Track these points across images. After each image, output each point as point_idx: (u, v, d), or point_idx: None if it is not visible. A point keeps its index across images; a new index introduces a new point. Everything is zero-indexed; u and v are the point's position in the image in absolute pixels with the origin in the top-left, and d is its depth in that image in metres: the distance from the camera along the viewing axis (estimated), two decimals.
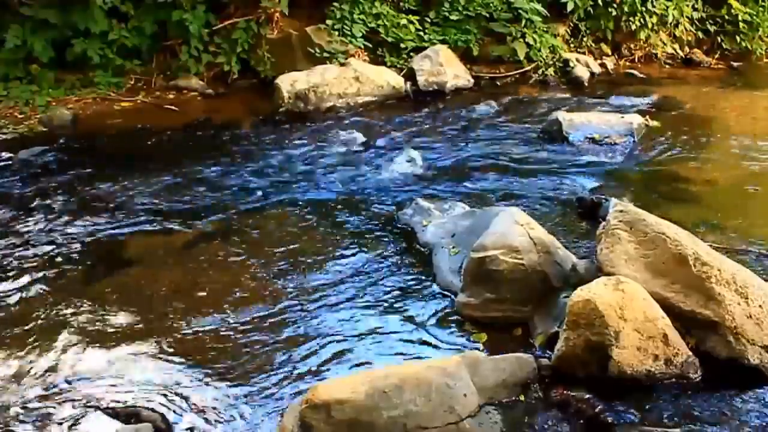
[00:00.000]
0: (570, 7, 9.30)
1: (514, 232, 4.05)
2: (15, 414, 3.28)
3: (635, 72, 9.62)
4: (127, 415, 3.26)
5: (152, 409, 3.30)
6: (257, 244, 4.85)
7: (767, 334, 3.46)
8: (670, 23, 9.96)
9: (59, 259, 4.64)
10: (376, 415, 2.96)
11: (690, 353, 3.41)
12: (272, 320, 4.00)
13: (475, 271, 3.98)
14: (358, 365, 3.60)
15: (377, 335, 3.86)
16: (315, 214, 5.28)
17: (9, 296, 4.21)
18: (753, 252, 4.53)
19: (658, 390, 3.32)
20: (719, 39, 10.46)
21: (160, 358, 3.68)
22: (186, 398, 3.38)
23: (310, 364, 3.63)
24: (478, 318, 3.93)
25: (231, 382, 3.50)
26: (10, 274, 4.44)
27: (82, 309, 4.10)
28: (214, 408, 3.33)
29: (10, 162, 6.18)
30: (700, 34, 10.43)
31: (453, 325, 3.94)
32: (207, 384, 3.49)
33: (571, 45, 9.71)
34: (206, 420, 3.26)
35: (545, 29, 9.17)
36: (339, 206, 5.40)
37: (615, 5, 9.55)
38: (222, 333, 3.89)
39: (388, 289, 4.29)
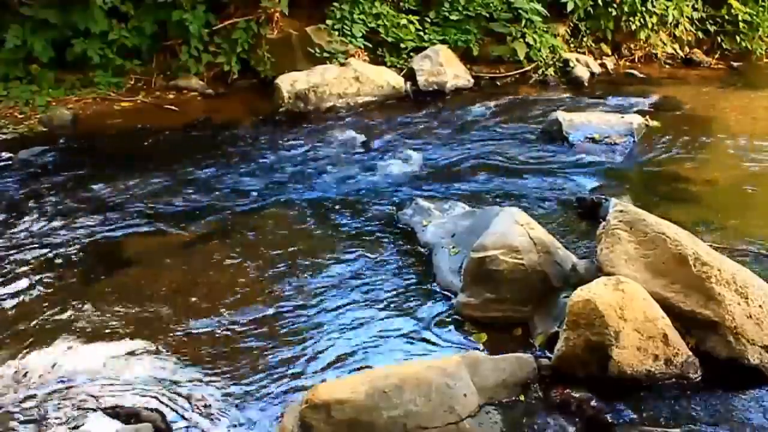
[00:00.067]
0: (570, 7, 9.30)
1: (514, 232, 4.05)
2: (15, 414, 3.28)
3: (635, 72, 9.63)
4: (127, 415, 3.26)
5: (152, 409, 3.30)
6: (257, 245, 4.85)
7: (767, 334, 3.46)
8: (670, 23, 9.97)
9: (58, 259, 4.64)
10: (376, 415, 2.96)
11: (690, 353, 3.41)
12: (272, 320, 4.00)
13: (475, 271, 3.98)
14: (358, 365, 3.60)
15: (377, 335, 3.86)
16: (315, 214, 5.28)
17: (8, 296, 4.21)
18: (753, 252, 4.53)
19: (658, 390, 3.32)
20: (719, 39, 10.46)
21: (159, 359, 3.68)
22: (186, 398, 3.38)
23: (309, 364, 3.63)
24: (478, 318, 3.93)
25: (231, 382, 3.50)
26: (10, 274, 4.44)
27: (81, 309, 4.10)
28: (214, 408, 3.33)
29: (10, 162, 6.18)
30: (700, 34, 10.43)
31: (453, 325, 3.94)
32: (207, 384, 3.49)
33: (571, 45, 9.71)
34: (206, 420, 3.26)
35: (545, 29, 9.17)
36: (339, 206, 5.40)
37: (615, 5, 9.56)
38: (222, 333, 3.89)
39: (388, 289, 4.29)
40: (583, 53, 9.65)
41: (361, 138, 6.78)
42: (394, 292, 4.25)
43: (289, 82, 7.70)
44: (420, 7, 9.21)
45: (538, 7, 9.01)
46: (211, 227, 5.10)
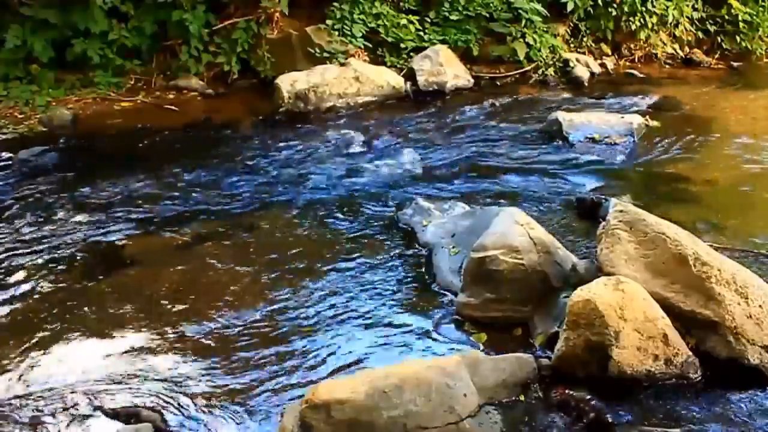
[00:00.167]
0: (570, 7, 9.30)
1: (514, 232, 4.05)
2: (15, 415, 3.28)
3: (635, 72, 9.62)
4: (127, 415, 3.26)
5: (152, 409, 3.30)
6: (257, 244, 4.85)
7: (767, 334, 3.46)
8: (670, 23, 9.96)
9: (58, 258, 4.64)
10: (376, 415, 2.96)
11: (690, 353, 3.41)
12: (271, 320, 4.00)
13: (475, 271, 3.98)
14: (358, 365, 3.60)
15: (377, 335, 3.86)
16: (315, 214, 5.28)
17: (8, 296, 4.21)
18: (753, 252, 4.53)
19: (658, 390, 3.32)
20: (719, 39, 10.45)
21: (159, 359, 3.68)
22: (185, 398, 3.38)
23: (309, 364, 3.63)
24: (478, 318, 3.93)
25: (231, 382, 3.50)
26: (10, 274, 4.44)
27: (81, 309, 4.10)
28: (214, 408, 3.33)
29: (10, 162, 6.18)
30: (700, 34, 10.42)
31: (453, 325, 3.94)
32: (207, 384, 3.49)
33: (571, 45, 9.70)
34: (206, 420, 3.26)
35: (545, 29, 9.17)
36: (339, 206, 5.40)
37: (615, 5, 9.55)
38: (222, 333, 3.89)
39: (388, 289, 4.29)
40: (583, 53, 9.64)
41: (361, 138, 6.78)
42: (394, 292, 4.25)
43: (289, 82, 7.71)
44: (420, 7, 9.21)
45: (538, 7, 9.01)
46: (211, 227, 5.11)
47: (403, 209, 5.18)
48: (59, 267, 4.54)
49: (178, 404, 3.34)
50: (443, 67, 8.36)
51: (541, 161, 6.31)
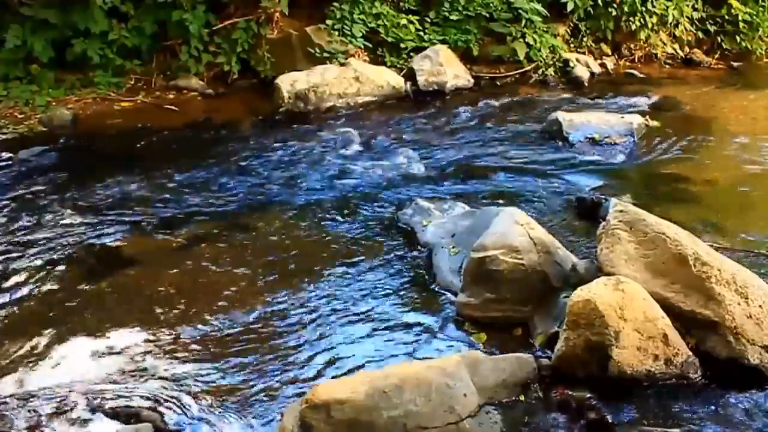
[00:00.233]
0: (570, 7, 9.30)
1: (514, 232, 4.05)
2: (15, 415, 3.27)
3: (635, 72, 9.61)
4: (127, 415, 3.26)
5: (152, 409, 3.30)
6: (256, 245, 4.85)
7: (767, 334, 3.46)
8: (670, 23, 9.95)
9: (58, 259, 4.63)
10: (376, 415, 2.96)
11: (690, 353, 3.41)
12: (271, 320, 4.00)
13: (475, 271, 3.98)
14: (357, 365, 3.60)
15: (377, 335, 3.86)
16: (315, 214, 5.28)
17: (7, 296, 4.21)
18: (753, 252, 4.53)
19: (658, 390, 3.32)
20: (719, 39, 10.44)
21: (159, 359, 3.68)
22: (185, 399, 3.38)
23: (309, 364, 3.63)
24: (478, 318, 3.93)
25: (231, 382, 3.50)
26: (9, 274, 4.44)
27: (80, 309, 4.10)
28: (214, 408, 3.33)
29: (10, 162, 6.18)
30: (700, 34, 10.41)
31: (453, 325, 3.94)
32: (206, 384, 3.49)
33: (571, 45, 9.70)
34: (206, 420, 3.26)
35: (545, 29, 9.16)
36: (339, 206, 5.40)
37: (615, 5, 9.55)
38: (221, 333, 3.89)
39: (388, 289, 4.29)
40: (583, 53, 9.63)
41: (361, 138, 6.78)
42: (394, 293, 4.25)
43: (289, 82, 7.70)
44: (420, 7, 9.20)
45: (538, 7, 9.00)
46: (211, 228, 5.10)
47: (403, 209, 5.18)
48: (58, 267, 4.54)
49: (178, 404, 3.34)
50: (443, 67, 8.35)
51: (541, 161, 6.31)
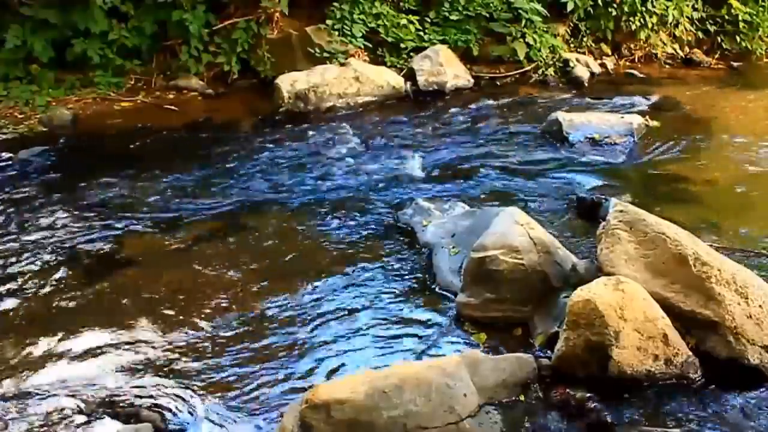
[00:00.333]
0: (570, 7, 9.29)
1: (514, 232, 4.05)
2: (15, 415, 3.27)
3: (635, 72, 9.61)
4: (127, 415, 3.26)
5: (152, 409, 3.30)
6: (256, 245, 4.85)
7: (767, 334, 3.46)
8: (670, 23, 9.95)
9: (57, 259, 4.64)
10: (376, 415, 2.96)
11: (690, 353, 3.42)
12: (271, 320, 4.00)
13: (475, 271, 3.98)
14: (357, 365, 3.60)
15: (377, 335, 3.87)
16: (315, 214, 5.28)
17: (7, 296, 4.21)
18: (753, 252, 4.53)
19: (658, 390, 3.32)
20: (719, 39, 10.43)
21: (159, 359, 3.68)
22: (185, 398, 3.38)
23: (309, 364, 3.63)
24: (478, 318, 3.93)
25: (230, 383, 3.50)
26: (9, 274, 4.44)
27: (80, 309, 4.11)
28: (214, 407, 3.33)
29: (10, 162, 6.18)
30: (700, 34, 10.41)
31: (453, 325, 3.94)
32: (206, 384, 3.49)
33: (571, 45, 9.69)
34: (206, 420, 3.26)
35: (545, 29, 9.16)
36: (339, 206, 5.40)
37: (615, 5, 9.55)
38: (222, 333, 3.89)
39: (388, 289, 4.29)
40: (583, 53, 9.63)
41: (361, 138, 6.79)
42: (394, 292, 4.25)
43: (289, 82, 7.70)
44: (420, 7, 9.20)
45: (538, 7, 9.00)
46: (211, 227, 5.11)
47: (403, 209, 5.18)
48: (57, 267, 4.54)
49: (178, 404, 3.34)
50: (443, 67, 8.35)
51: (541, 161, 6.31)
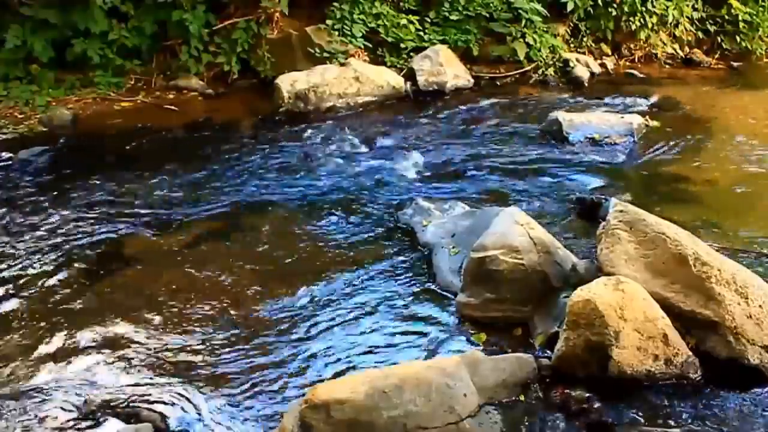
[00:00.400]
0: (570, 7, 9.29)
1: (514, 232, 4.05)
2: (14, 415, 3.28)
3: (635, 72, 9.61)
4: (127, 415, 3.26)
5: (152, 409, 3.30)
6: (256, 245, 4.85)
7: (767, 334, 3.46)
8: (670, 23, 9.95)
9: (57, 259, 4.63)
10: (375, 415, 2.96)
11: (690, 353, 3.41)
12: (271, 320, 4.00)
13: (475, 271, 3.98)
14: (357, 365, 3.60)
15: (377, 335, 3.86)
16: (314, 214, 5.28)
17: (7, 296, 4.21)
18: (753, 252, 4.53)
19: (658, 390, 3.32)
20: (719, 39, 10.43)
21: (159, 359, 3.68)
22: (185, 398, 3.38)
23: (309, 365, 3.63)
24: (478, 318, 3.93)
25: (231, 382, 3.50)
26: (9, 273, 4.44)
27: (80, 309, 4.11)
28: (215, 408, 3.33)
29: (10, 162, 6.18)
30: (700, 34, 10.41)
31: (453, 325, 3.94)
32: (207, 384, 3.49)
33: (571, 45, 9.69)
34: (206, 420, 3.26)
35: (545, 29, 9.16)
36: (339, 206, 5.40)
37: (615, 5, 9.55)
38: (222, 333, 3.89)
39: (388, 289, 4.29)
40: (583, 53, 9.63)
41: (361, 138, 6.78)
42: (394, 293, 4.25)
43: (289, 82, 7.70)
44: (420, 7, 9.20)
45: (538, 7, 9.00)
46: (211, 227, 5.11)
47: (403, 209, 5.18)
48: (57, 267, 4.54)
49: (178, 404, 3.34)
50: (443, 67, 8.35)
51: (541, 161, 6.31)
